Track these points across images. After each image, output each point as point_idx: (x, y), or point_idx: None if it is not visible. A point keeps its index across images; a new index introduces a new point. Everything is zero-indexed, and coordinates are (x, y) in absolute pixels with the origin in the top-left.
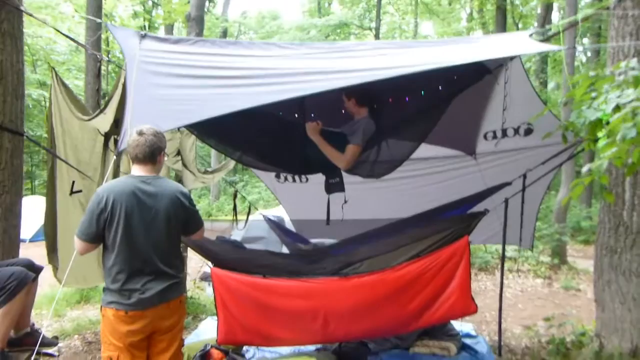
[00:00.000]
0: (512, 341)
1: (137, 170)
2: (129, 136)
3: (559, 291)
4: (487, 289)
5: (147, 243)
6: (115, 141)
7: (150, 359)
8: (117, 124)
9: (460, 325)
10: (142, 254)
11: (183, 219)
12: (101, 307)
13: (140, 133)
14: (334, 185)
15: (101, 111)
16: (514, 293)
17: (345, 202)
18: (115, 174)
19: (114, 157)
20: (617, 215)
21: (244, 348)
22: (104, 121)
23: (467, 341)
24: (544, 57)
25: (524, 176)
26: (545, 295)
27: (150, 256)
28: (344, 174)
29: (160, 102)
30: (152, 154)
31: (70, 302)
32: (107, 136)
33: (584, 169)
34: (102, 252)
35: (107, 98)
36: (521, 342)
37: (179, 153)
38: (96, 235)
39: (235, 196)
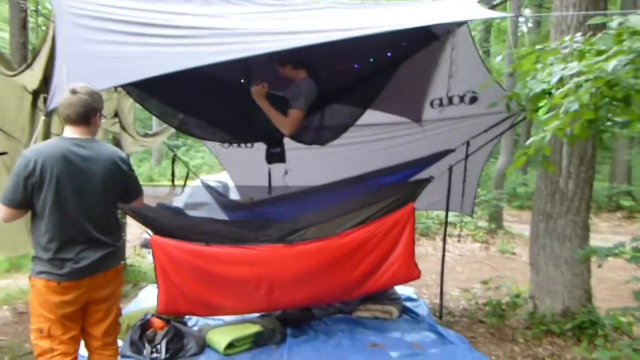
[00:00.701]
0: (450, 303)
1: (70, 132)
2: (62, 94)
3: (495, 255)
4: (428, 253)
5: (80, 210)
6: (45, 100)
7: (85, 329)
8: (47, 81)
9: (401, 289)
10: (75, 221)
11: (121, 185)
12: (30, 276)
13: (74, 92)
14: (274, 155)
15: (28, 66)
16: (453, 257)
17: (286, 173)
18: (46, 136)
19: (43, 117)
20: (553, 182)
21: (186, 316)
22: (32, 78)
23: (408, 304)
24: (487, 26)
25: (467, 144)
26: (482, 258)
27: (83, 224)
28: (287, 141)
29: (94, 58)
30: (85, 114)
31: None
32: (35, 94)
33: (528, 141)
34: (31, 219)
35: (34, 52)
36: (459, 304)
37: (116, 115)
38: (23, 201)
39: (173, 161)
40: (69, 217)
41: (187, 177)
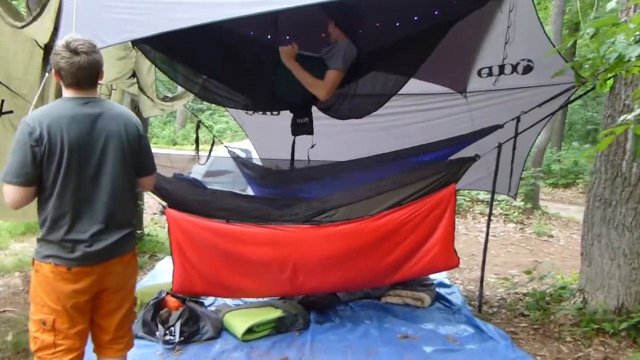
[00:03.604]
0: (486, 291)
1: (74, 94)
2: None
3: (532, 237)
4: (460, 232)
5: (98, 181)
6: None
7: (95, 321)
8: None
9: (433, 274)
10: (91, 195)
11: (137, 155)
12: (34, 260)
13: (75, 51)
14: (301, 126)
15: (35, 17)
16: None
17: (312, 146)
18: (58, 95)
19: (47, 74)
20: (615, 165)
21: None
22: (41, 30)
23: (441, 291)
24: None
25: (518, 119)
26: (518, 241)
27: (101, 198)
28: (315, 110)
29: (105, 9)
30: (95, 77)
31: (14, 233)
32: (47, 49)
33: (621, 118)
34: (37, 195)
35: (42, 1)
36: (496, 293)
37: (134, 75)
38: (34, 176)
39: (198, 127)
40: (84, 190)
41: (212, 146)
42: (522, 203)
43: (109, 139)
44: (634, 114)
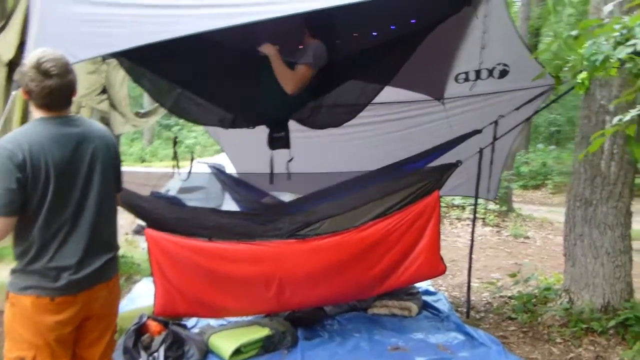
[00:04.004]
0: (472, 296)
1: (48, 114)
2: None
3: (509, 239)
4: None
5: (84, 204)
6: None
7: (78, 354)
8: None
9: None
10: (77, 219)
11: (116, 171)
12: (8, 293)
13: (47, 74)
14: (278, 140)
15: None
16: (465, 243)
17: (291, 160)
18: (24, 114)
19: (14, 92)
20: (594, 165)
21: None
22: (5, 44)
23: (427, 299)
24: None
25: (496, 123)
26: (496, 244)
27: (87, 221)
28: (293, 123)
29: (77, 23)
30: (70, 96)
31: None
32: (12, 66)
33: (615, 120)
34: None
35: (6, 13)
36: (481, 297)
37: (104, 90)
38: (19, 205)
39: (175, 143)
40: (70, 214)
41: (192, 161)
42: (497, 206)
43: (93, 159)
44: (631, 114)
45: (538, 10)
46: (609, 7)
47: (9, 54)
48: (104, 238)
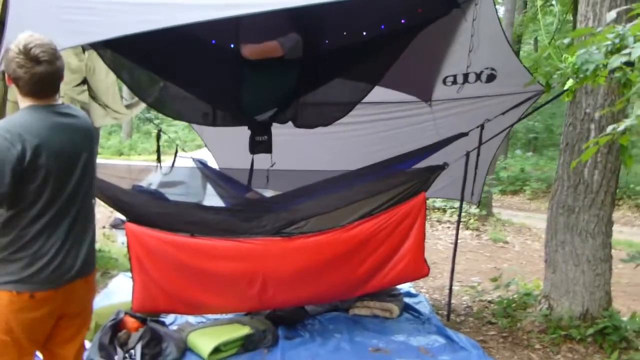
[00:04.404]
0: (452, 300)
1: (37, 101)
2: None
3: (488, 243)
4: None
5: (75, 197)
6: None
7: (52, 351)
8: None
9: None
10: (65, 212)
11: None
12: None
13: (37, 60)
14: (260, 144)
15: None
16: (446, 245)
17: (272, 165)
18: (3, 102)
19: None
20: (577, 172)
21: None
22: None
23: (408, 301)
24: None
25: (482, 127)
26: (475, 247)
27: (73, 214)
28: (280, 127)
29: (59, 10)
30: (58, 83)
31: None
32: None
33: (609, 128)
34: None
35: None
36: (462, 301)
37: (84, 81)
38: (7, 197)
39: (159, 137)
40: (63, 207)
41: (176, 155)
42: (478, 210)
43: (85, 150)
44: (625, 124)
45: (519, 17)
46: (612, 15)
47: None
48: (87, 231)
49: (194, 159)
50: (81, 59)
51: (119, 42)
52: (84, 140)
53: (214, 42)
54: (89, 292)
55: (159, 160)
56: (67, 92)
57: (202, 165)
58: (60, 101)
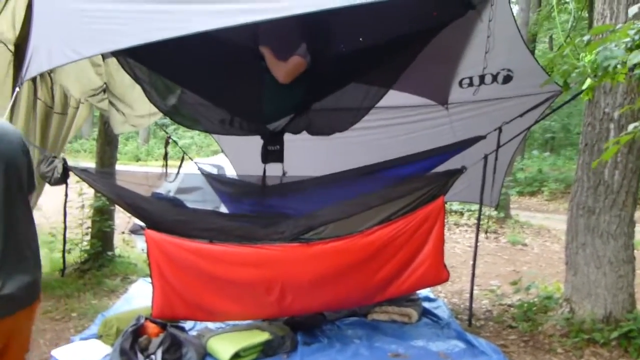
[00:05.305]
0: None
1: None
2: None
3: (507, 246)
4: None
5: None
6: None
7: None
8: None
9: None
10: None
11: (24, 175)
12: None
13: None
14: (272, 154)
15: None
16: (464, 249)
17: (284, 174)
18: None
19: (18, 88)
20: (597, 173)
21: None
22: (6, 25)
23: (427, 305)
24: None
25: (499, 130)
26: (494, 250)
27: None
28: (291, 137)
29: (80, 18)
30: None
31: None
32: (19, 50)
33: (631, 127)
34: None
35: None
36: (481, 305)
37: (105, 90)
38: None
39: (167, 143)
40: None
41: (182, 162)
42: (496, 212)
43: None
44: None
45: (534, 16)
46: (634, 10)
47: (9, 35)
48: (25, 251)
49: (199, 168)
50: (99, 69)
51: (139, 49)
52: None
53: (234, 44)
54: (30, 325)
55: (165, 166)
56: (89, 99)
57: (208, 176)
58: None
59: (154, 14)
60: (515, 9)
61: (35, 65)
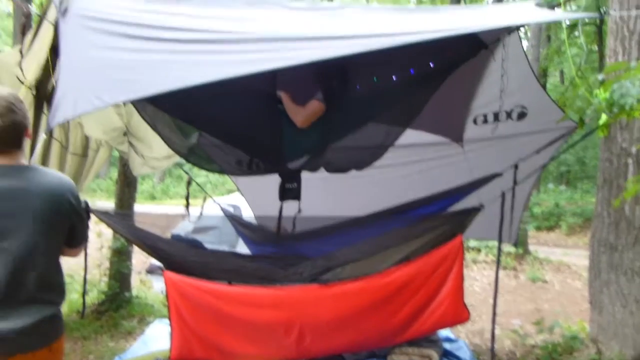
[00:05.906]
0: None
1: None
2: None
3: (527, 283)
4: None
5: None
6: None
7: None
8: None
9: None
10: None
11: (67, 224)
12: None
13: None
14: (289, 192)
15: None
16: (482, 286)
17: (299, 211)
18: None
19: (44, 135)
20: (618, 209)
21: None
22: (29, 63)
23: (447, 347)
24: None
25: (515, 167)
26: (513, 288)
27: (9, 278)
28: (309, 175)
29: (103, 67)
30: (16, 137)
31: None
32: (40, 92)
33: None
34: None
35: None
36: (503, 345)
37: (125, 133)
38: None
39: (189, 183)
40: None
41: (204, 202)
42: (514, 249)
43: (25, 214)
44: None
45: (544, 51)
46: None
47: (31, 75)
48: (37, 294)
49: (221, 207)
50: (119, 109)
51: (158, 97)
52: (32, 202)
53: (250, 87)
54: None
55: (187, 207)
56: (109, 141)
57: (230, 215)
58: (22, 160)
59: (174, 63)
60: (525, 44)
61: (61, 112)
